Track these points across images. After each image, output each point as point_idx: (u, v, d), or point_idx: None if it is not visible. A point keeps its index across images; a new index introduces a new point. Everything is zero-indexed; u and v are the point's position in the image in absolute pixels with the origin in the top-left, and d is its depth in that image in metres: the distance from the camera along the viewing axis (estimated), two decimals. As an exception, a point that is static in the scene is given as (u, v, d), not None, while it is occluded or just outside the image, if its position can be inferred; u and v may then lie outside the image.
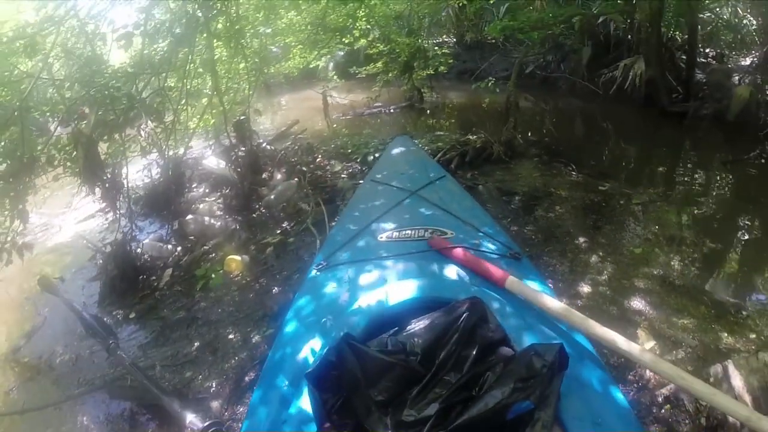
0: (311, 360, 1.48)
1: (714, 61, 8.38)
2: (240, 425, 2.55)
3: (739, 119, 6.31)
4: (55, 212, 6.70)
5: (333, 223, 4.22)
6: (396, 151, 3.28)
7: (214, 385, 2.92)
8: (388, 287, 1.68)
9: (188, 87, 4.94)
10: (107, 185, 4.10)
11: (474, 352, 1.19)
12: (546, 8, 8.02)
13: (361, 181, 4.97)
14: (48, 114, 4.50)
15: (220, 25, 5.04)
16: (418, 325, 1.31)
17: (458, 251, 1.89)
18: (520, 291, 1.67)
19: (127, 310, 3.94)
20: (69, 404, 3.13)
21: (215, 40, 5.07)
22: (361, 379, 1.16)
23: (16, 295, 4.58)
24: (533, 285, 1.79)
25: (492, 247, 2.03)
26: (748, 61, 8.13)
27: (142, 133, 4.45)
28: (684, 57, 7.84)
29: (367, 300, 1.64)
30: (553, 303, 1.61)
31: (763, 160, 5.76)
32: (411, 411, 1.09)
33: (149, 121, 4.39)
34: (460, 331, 1.22)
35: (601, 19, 8.38)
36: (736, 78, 7.17)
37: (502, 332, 1.32)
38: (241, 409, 2.73)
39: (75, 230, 6.14)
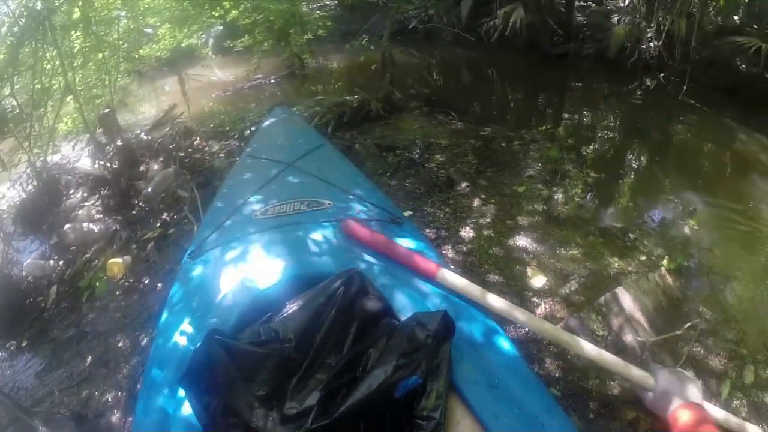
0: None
1: (593, 4, 8.68)
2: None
3: (619, 57, 6.59)
4: None
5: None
6: (273, 122, 3.18)
7: (110, 399, 2.84)
8: (261, 269, 1.58)
9: (44, 86, 4.58)
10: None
11: (353, 330, 1.13)
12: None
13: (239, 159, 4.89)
14: None
15: (75, 15, 4.71)
16: (291, 307, 1.23)
17: (351, 224, 1.82)
18: (453, 284, 1.57)
19: (19, 339, 3.68)
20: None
21: (72, 32, 4.77)
22: (236, 375, 1.07)
23: None
24: (412, 244, 1.78)
25: (373, 213, 2.00)
26: (625, 2, 8.45)
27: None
28: (563, 1, 8.03)
29: (238, 286, 1.54)
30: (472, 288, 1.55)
31: (640, 92, 6.12)
32: (292, 403, 1.01)
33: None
34: (337, 307, 1.15)
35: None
36: (615, 18, 7.49)
37: (384, 303, 1.26)
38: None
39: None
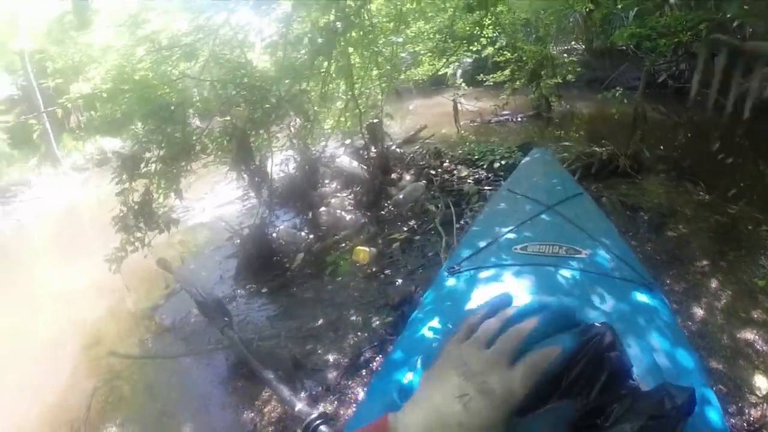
0: (427, 357, 1.48)
1: None
2: (350, 405, 2.82)
3: None
4: (197, 197, 7.43)
5: (458, 226, 4.38)
6: (534, 163, 3.29)
7: (331, 359, 3.19)
8: (517, 300, 1.70)
9: (325, 90, 5.29)
10: (253, 174, 4.55)
11: (602, 380, 1.19)
12: (673, 13, 7.51)
13: (487, 188, 5.10)
14: (196, 111, 5.04)
15: (354, 34, 5.35)
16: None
17: None
18: None
19: (260, 285, 4.37)
20: (194, 358, 3.59)
21: (350, 48, 5.39)
22: None
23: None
24: (658, 312, 1.74)
25: (624, 272, 1.98)
26: None
27: (289, 129, 4.82)
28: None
29: None
30: None
31: None
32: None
33: (295, 119, 4.77)
34: (590, 354, 1.22)
35: (736, 23, 7.64)
36: None
37: (628, 364, 1.30)
38: (352, 384, 2.97)
39: (214, 213, 6.80)
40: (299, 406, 1.17)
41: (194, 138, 4.51)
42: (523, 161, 3.41)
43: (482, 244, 2.23)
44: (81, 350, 4.22)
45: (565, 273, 1.89)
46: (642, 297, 1.83)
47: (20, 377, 4.08)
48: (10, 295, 6.17)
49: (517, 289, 1.77)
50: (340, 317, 3.61)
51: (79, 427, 3.30)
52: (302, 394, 2.81)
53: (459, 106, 8.45)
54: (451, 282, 2.02)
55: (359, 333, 3.39)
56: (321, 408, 2.60)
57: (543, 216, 2.41)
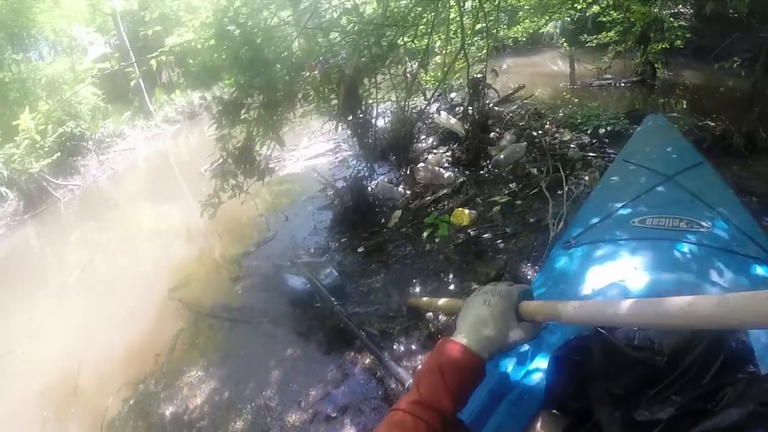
0: (546, 334, 1.51)
1: None
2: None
3: None
4: (288, 149, 7.51)
5: (559, 193, 4.15)
6: (649, 131, 3.13)
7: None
8: (637, 274, 1.65)
9: (428, 42, 5.11)
10: (358, 123, 4.42)
11: (718, 364, 1.10)
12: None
13: (592, 154, 4.81)
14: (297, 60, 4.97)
15: None
16: None
17: None
18: None
19: (356, 242, 4.30)
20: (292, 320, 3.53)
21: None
22: (601, 368, 1.14)
23: (254, 209, 5.11)
24: None
25: (750, 249, 1.87)
26: None
27: (392, 79, 4.68)
28: None
29: (614, 285, 1.61)
30: None
31: None
32: (644, 411, 1.04)
33: (409, 64, 4.61)
34: (708, 339, 1.13)
35: None
36: None
37: (748, 348, 1.19)
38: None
39: (306, 165, 6.85)
40: (410, 381, 1.15)
41: (298, 84, 4.45)
42: (638, 129, 3.26)
43: (598, 217, 2.20)
44: (171, 291, 4.38)
45: (686, 247, 1.84)
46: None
47: (116, 308, 4.36)
48: (110, 235, 6.56)
49: (635, 264, 1.74)
50: (439, 287, 3.45)
51: (164, 361, 3.46)
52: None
53: (569, 62, 8.02)
54: (567, 257, 2.02)
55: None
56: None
57: (661, 187, 2.35)
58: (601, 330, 1.20)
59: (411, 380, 1.11)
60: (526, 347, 1.55)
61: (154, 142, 12.28)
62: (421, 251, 3.89)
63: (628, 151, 2.91)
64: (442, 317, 3.01)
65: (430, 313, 3.05)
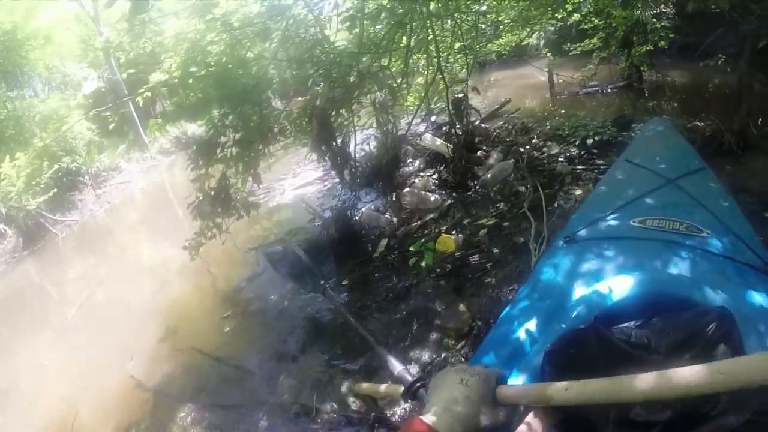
0: (540, 329, 1.55)
1: None
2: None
3: None
4: (276, 178, 7.54)
5: (551, 209, 4.10)
6: (652, 133, 3.18)
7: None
8: (634, 274, 1.62)
9: (406, 65, 5.10)
10: (335, 154, 4.38)
11: None
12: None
13: (580, 167, 4.77)
14: (274, 93, 4.96)
15: (434, 4, 5.10)
16: (662, 323, 1.23)
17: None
18: None
19: (341, 275, 4.24)
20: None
21: (432, 20, 5.14)
22: (597, 366, 1.08)
23: (241, 246, 5.24)
24: None
25: (747, 257, 1.85)
26: None
27: (373, 105, 4.67)
28: None
29: (611, 282, 1.59)
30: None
31: None
32: (641, 410, 1.02)
33: (377, 95, 4.61)
34: (705, 341, 1.13)
35: None
36: None
37: (743, 353, 1.17)
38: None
39: (294, 195, 6.84)
40: (399, 369, 1.14)
41: (272, 119, 4.43)
42: (643, 131, 3.34)
43: (599, 214, 2.21)
44: (164, 333, 4.42)
45: (685, 251, 1.81)
46: (761, 285, 1.67)
47: (112, 346, 4.50)
48: (107, 269, 6.61)
49: (636, 264, 1.73)
50: (413, 335, 3.35)
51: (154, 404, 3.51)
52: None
53: (543, 77, 7.98)
54: (567, 253, 2.00)
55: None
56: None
57: (663, 190, 2.32)
58: (599, 325, 1.17)
59: (401, 368, 1.09)
60: None
61: (150, 174, 12.33)
62: (405, 285, 3.83)
63: (632, 151, 2.94)
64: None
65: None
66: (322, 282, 1.98)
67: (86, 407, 3.76)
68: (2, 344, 5.68)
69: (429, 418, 0.80)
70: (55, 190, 9.74)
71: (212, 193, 4.03)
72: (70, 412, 3.67)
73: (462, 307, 3.29)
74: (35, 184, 9.32)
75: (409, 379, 1.09)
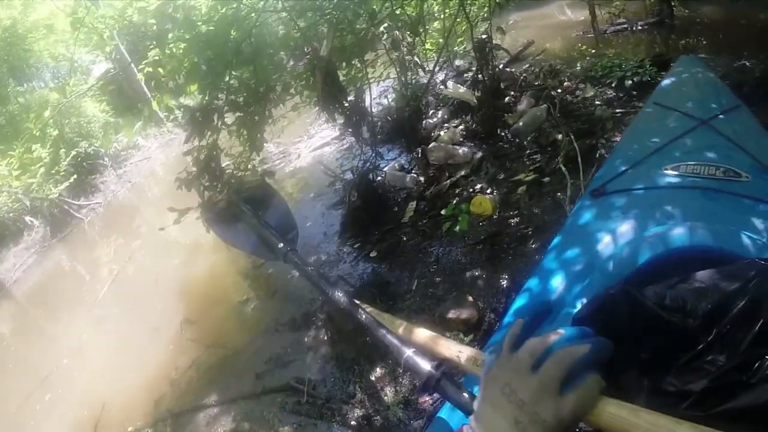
0: (568, 293, 1.50)
1: None
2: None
3: None
4: (292, 141, 7.22)
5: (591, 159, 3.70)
6: (682, 73, 2.95)
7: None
8: (670, 227, 1.54)
9: (422, 9, 4.67)
10: (348, 111, 3.95)
11: (756, 329, 0.96)
12: None
13: (620, 110, 4.37)
14: (275, 50, 4.54)
15: None
16: (700, 281, 1.08)
17: None
18: None
19: (368, 245, 3.93)
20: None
21: None
22: (628, 330, 1.02)
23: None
24: None
25: None
26: None
27: (387, 54, 4.26)
28: None
29: (645, 238, 1.52)
30: None
31: None
32: (674, 380, 0.94)
33: (397, 32, 4.19)
34: (748, 299, 0.99)
35: None
36: None
37: None
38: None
39: (312, 157, 6.51)
40: (408, 353, 0.84)
41: (273, 79, 4.01)
42: (671, 71, 3.07)
43: (628, 163, 2.11)
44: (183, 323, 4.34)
45: (723, 198, 1.73)
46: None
47: (142, 326, 4.56)
48: (134, 246, 6.91)
49: (668, 216, 1.66)
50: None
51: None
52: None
53: (564, 16, 7.34)
54: (596, 208, 1.92)
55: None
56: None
57: (696, 132, 2.21)
58: (630, 288, 1.08)
59: (409, 352, 0.80)
60: None
61: (169, 147, 12.24)
62: (438, 257, 3.50)
63: (661, 93, 2.76)
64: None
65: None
66: (281, 245, 1.45)
67: (116, 392, 3.78)
68: (42, 331, 5.88)
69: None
70: (75, 176, 9.78)
71: (202, 165, 3.57)
72: (105, 395, 3.75)
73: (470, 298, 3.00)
74: (55, 173, 9.41)
75: (426, 369, 0.79)
